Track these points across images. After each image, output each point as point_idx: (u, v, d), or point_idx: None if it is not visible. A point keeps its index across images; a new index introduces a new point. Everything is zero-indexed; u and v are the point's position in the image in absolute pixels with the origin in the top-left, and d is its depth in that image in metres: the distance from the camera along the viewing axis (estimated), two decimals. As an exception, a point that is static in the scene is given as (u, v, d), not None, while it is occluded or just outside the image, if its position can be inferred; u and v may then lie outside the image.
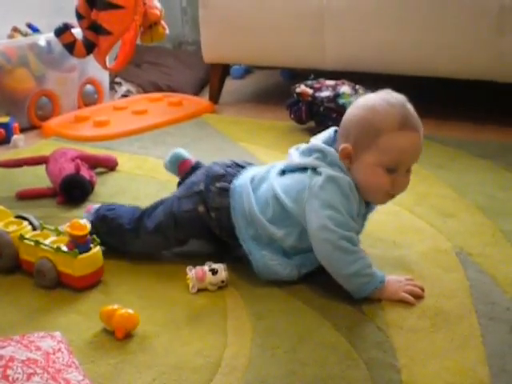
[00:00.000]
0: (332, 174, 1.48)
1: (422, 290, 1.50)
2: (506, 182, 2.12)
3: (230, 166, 1.67)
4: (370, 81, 2.68)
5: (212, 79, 3.30)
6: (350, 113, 1.53)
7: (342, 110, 2.22)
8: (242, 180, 1.61)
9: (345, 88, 2.58)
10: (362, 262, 1.47)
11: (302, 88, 2.62)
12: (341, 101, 2.53)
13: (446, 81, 2.77)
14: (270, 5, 2.98)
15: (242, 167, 1.68)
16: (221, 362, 1.30)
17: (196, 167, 1.86)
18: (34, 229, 1.72)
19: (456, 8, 2.60)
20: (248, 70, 3.92)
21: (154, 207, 1.69)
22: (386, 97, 1.52)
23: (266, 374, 1.26)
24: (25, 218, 1.75)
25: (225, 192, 1.60)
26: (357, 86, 2.59)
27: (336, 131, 1.57)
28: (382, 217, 1.89)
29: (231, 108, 3.21)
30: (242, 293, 1.53)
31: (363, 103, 1.52)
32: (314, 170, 1.51)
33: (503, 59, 2.57)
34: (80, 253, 1.56)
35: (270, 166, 1.66)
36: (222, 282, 1.54)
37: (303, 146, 1.59)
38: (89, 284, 1.58)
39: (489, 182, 2.12)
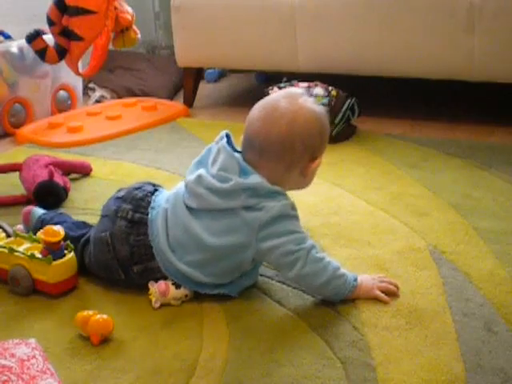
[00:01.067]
0: (277, 213, 1.44)
1: (397, 287, 1.51)
2: (479, 180, 2.14)
3: (128, 227, 1.53)
4: (343, 82, 2.70)
5: (186, 83, 3.30)
6: (268, 134, 1.46)
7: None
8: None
9: (318, 90, 2.59)
10: (332, 265, 1.47)
11: (275, 90, 2.62)
12: (314, 102, 2.53)
13: (418, 81, 2.79)
14: (242, 8, 2.99)
15: (139, 219, 1.53)
16: (197, 365, 1.29)
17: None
18: (8, 236, 1.71)
19: (425, 8, 2.62)
20: (222, 74, 3.92)
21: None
22: (306, 99, 1.52)
23: (242, 375, 1.26)
24: None
25: (147, 272, 1.53)
26: (330, 88, 2.60)
27: (232, 149, 1.50)
28: (356, 217, 1.91)
29: (206, 111, 3.21)
30: (217, 296, 1.52)
31: (277, 123, 1.46)
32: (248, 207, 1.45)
33: (472, 58, 2.59)
34: (54, 259, 1.56)
35: (172, 196, 1.56)
36: (186, 296, 1.51)
37: (212, 182, 1.47)
38: (64, 290, 1.57)
39: (462, 181, 2.14)
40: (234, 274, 1.52)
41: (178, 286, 1.51)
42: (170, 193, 1.58)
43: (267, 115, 1.47)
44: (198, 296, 1.53)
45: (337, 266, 1.47)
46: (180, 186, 1.57)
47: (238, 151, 1.52)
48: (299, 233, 1.47)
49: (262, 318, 1.45)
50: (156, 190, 1.61)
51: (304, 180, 1.53)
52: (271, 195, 1.46)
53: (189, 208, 1.50)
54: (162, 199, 1.56)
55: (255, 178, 1.45)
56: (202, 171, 1.51)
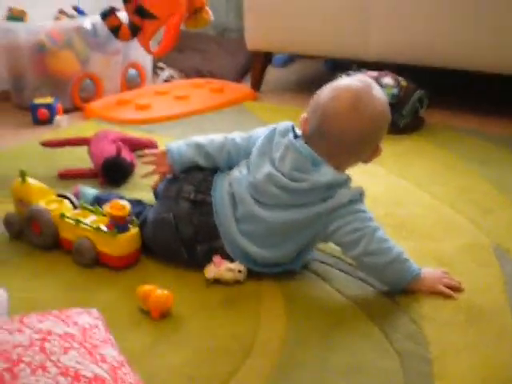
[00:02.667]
0: (347, 199, 1.46)
1: (459, 283, 1.49)
2: (548, 179, 2.10)
3: (191, 208, 1.56)
4: (413, 73, 2.67)
5: (254, 67, 3.31)
6: (350, 131, 1.46)
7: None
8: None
9: (387, 79, 2.56)
10: (397, 248, 1.47)
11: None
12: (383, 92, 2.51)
13: (492, 76, 2.74)
14: (315, -6, 2.97)
15: (202, 199, 1.56)
16: (253, 346, 1.31)
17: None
18: (75, 208, 1.75)
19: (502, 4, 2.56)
20: (290, 59, 3.91)
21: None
22: (379, 89, 1.52)
23: (298, 358, 1.27)
24: (66, 197, 1.78)
25: (212, 251, 1.54)
26: (399, 78, 2.57)
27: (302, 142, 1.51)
28: (419, 209, 1.89)
29: (272, 96, 3.22)
30: (277, 278, 1.54)
31: (360, 120, 1.45)
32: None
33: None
34: (119, 233, 1.59)
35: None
36: (239, 271, 1.51)
37: (281, 180, 1.48)
38: (127, 264, 1.60)
39: (530, 179, 2.10)
40: (297, 253, 1.53)
41: (232, 261, 1.52)
42: (231, 177, 1.58)
43: (351, 110, 1.45)
44: (257, 277, 1.54)
45: (402, 251, 1.47)
46: (238, 172, 1.57)
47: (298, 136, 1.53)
48: (365, 212, 1.48)
49: (320, 304, 1.45)
50: (216, 171, 1.62)
51: (364, 162, 1.55)
52: (342, 184, 1.48)
53: (257, 201, 1.51)
54: (222, 182, 1.57)
55: (327, 173, 1.46)
56: (269, 169, 1.50)
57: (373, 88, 1.49)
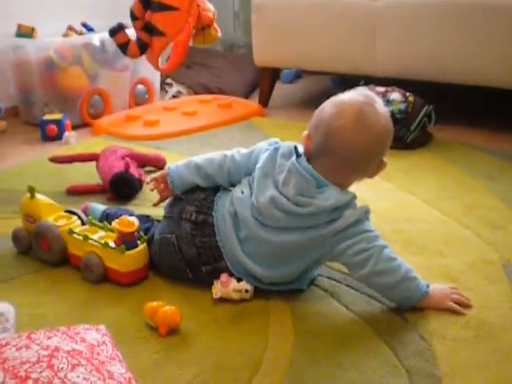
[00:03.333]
0: (354, 219, 1.44)
1: (468, 299, 1.49)
2: (557, 195, 2.09)
3: (193, 229, 1.54)
4: (421, 88, 2.67)
5: (262, 83, 3.32)
6: (355, 147, 1.43)
7: (392, 117, 2.21)
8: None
9: (395, 95, 2.57)
10: (405, 266, 1.46)
11: (351, 94, 2.61)
12: (390, 107, 2.51)
13: (499, 91, 2.74)
14: (322, 11, 2.99)
15: (203, 220, 1.55)
16: (261, 363, 1.30)
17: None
18: (83, 224, 1.75)
19: (509, 19, 2.57)
20: (298, 75, 3.93)
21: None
22: (385, 108, 1.50)
23: (306, 377, 1.26)
24: (74, 213, 1.78)
25: (216, 272, 1.53)
26: (407, 93, 2.57)
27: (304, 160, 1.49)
28: (428, 225, 1.88)
29: (280, 112, 3.22)
30: (285, 296, 1.53)
31: (364, 136, 1.43)
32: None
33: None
34: (127, 249, 1.59)
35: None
36: (246, 291, 1.51)
37: (285, 204, 1.46)
38: (135, 280, 1.60)
39: (538, 195, 2.09)
40: (303, 272, 1.53)
41: (239, 280, 1.52)
42: (233, 196, 1.56)
43: (356, 125, 1.43)
44: (265, 294, 1.54)
45: (410, 268, 1.46)
46: (240, 192, 1.56)
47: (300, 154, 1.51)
48: (371, 231, 1.47)
49: (328, 320, 1.44)
50: (218, 189, 1.61)
51: (369, 177, 1.53)
52: (348, 205, 1.47)
53: (261, 223, 1.50)
54: (224, 201, 1.56)
55: (331, 195, 1.44)
56: (273, 192, 1.48)
57: (375, 102, 1.47)
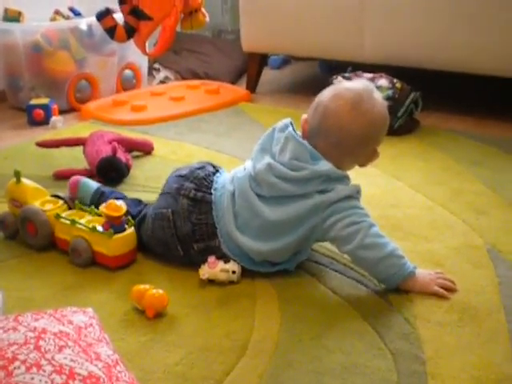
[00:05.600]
0: (345, 194, 1.49)
1: (453, 283, 1.50)
2: (542, 180, 2.11)
3: (191, 206, 1.56)
4: (408, 75, 2.68)
5: (250, 68, 3.31)
6: (350, 130, 1.49)
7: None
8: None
9: (382, 81, 2.57)
10: (392, 244, 1.48)
11: (339, 80, 2.61)
12: (378, 94, 2.52)
13: (484, 78, 2.75)
14: (311, -4, 2.98)
15: (201, 197, 1.57)
16: (248, 345, 1.31)
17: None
18: (70, 208, 1.75)
19: (498, 2, 2.57)
20: (286, 61, 3.92)
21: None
22: (379, 96, 1.56)
23: (292, 358, 1.27)
24: (60, 198, 1.78)
25: (208, 250, 1.56)
26: (394, 80, 2.58)
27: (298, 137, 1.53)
28: (414, 211, 1.90)
29: (268, 97, 3.22)
30: (272, 279, 1.54)
31: (360, 120, 1.49)
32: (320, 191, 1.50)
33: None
34: (115, 233, 1.59)
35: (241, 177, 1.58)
36: (233, 272, 1.52)
37: (281, 169, 1.50)
38: (123, 264, 1.61)
39: (524, 181, 2.10)
40: (293, 251, 1.55)
41: (226, 261, 1.53)
42: (232, 175, 1.61)
43: (351, 109, 1.49)
44: (252, 277, 1.55)
45: (397, 247, 1.49)
46: (243, 169, 1.60)
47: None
48: (362, 209, 1.51)
49: (314, 303, 1.46)
50: (217, 171, 1.64)
51: (361, 165, 1.58)
52: (341, 179, 1.51)
53: (258, 195, 1.53)
54: (224, 180, 1.60)
55: (325, 165, 1.49)
56: (270, 160, 1.53)
57: (374, 91, 1.54)
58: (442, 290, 1.47)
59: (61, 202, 1.76)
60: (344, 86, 1.57)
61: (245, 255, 1.54)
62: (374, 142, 1.54)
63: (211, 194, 1.57)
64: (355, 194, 1.51)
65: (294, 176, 1.50)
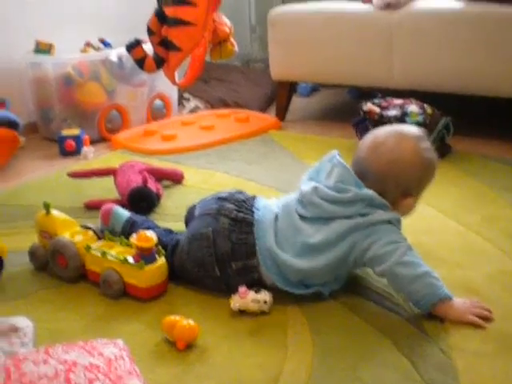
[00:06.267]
0: (385, 219, 1.52)
1: (490, 312, 1.47)
2: None
3: (231, 225, 1.58)
4: (438, 100, 2.66)
5: (279, 96, 3.32)
6: (406, 168, 1.55)
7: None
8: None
9: (412, 107, 2.56)
10: (428, 267, 1.48)
11: (369, 106, 2.61)
12: (408, 120, 2.51)
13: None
14: (338, 24, 2.99)
15: (242, 218, 1.59)
16: (280, 377, 1.29)
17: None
18: (99, 238, 1.75)
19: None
20: (315, 88, 3.93)
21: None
22: (416, 143, 1.58)
23: (325, 390, 1.25)
24: (90, 228, 1.78)
25: (246, 270, 1.57)
26: (425, 105, 2.56)
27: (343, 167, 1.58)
28: (447, 237, 1.87)
29: (297, 125, 3.22)
30: (304, 309, 1.52)
31: (409, 160, 1.55)
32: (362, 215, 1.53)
33: None
34: (146, 264, 1.58)
35: (285, 204, 1.62)
36: (265, 302, 1.50)
37: (326, 191, 1.55)
38: (154, 295, 1.60)
39: (559, 206, 2.07)
40: (330, 273, 1.55)
41: (257, 291, 1.52)
42: (279, 201, 1.65)
43: (373, 148, 1.57)
44: (283, 307, 1.53)
45: (433, 271, 1.48)
46: (289, 197, 1.64)
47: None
48: (401, 233, 1.54)
49: (347, 333, 1.43)
50: (255, 196, 1.67)
51: (398, 209, 1.58)
52: (383, 207, 1.54)
53: (301, 216, 1.57)
54: (266, 203, 1.64)
55: (369, 191, 1.53)
56: (316, 184, 1.58)
57: (407, 138, 1.58)
58: (477, 320, 1.44)
59: (90, 232, 1.76)
60: (385, 127, 1.63)
61: (282, 275, 1.55)
62: (394, 185, 1.55)
63: (252, 215, 1.59)
64: (395, 222, 1.54)
65: (339, 198, 1.54)
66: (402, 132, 1.60)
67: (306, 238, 1.53)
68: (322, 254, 1.52)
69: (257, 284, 1.56)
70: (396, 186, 1.55)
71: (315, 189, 1.57)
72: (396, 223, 1.55)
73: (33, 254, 1.78)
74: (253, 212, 1.60)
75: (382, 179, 1.55)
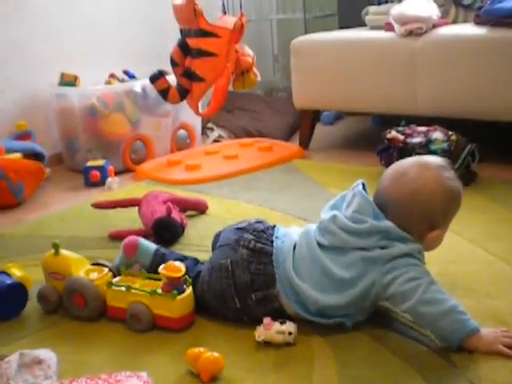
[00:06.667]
0: (404, 252, 1.48)
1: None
2: None
3: (250, 256, 1.56)
4: (463, 127, 2.64)
5: (302, 125, 3.32)
6: (429, 199, 1.51)
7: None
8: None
9: (437, 134, 2.54)
10: (454, 301, 1.44)
11: (393, 134, 2.60)
12: (433, 147, 2.49)
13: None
14: (361, 52, 3.00)
15: (260, 248, 1.58)
16: (306, 411, 1.27)
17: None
18: (114, 275, 1.72)
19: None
20: (338, 116, 3.93)
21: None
22: (439, 172, 1.54)
23: (352, 424, 1.23)
24: (101, 265, 1.75)
25: (266, 300, 1.55)
26: (449, 132, 2.54)
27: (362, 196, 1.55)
28: (474, 266, 1.84)
29: (321, 153, 3.22)
30: (329, 341, 1.50)
31: (432, 189, 1.52)
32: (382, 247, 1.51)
33: None
34: (178, 294, 1.58)
35: (305, 235, 1.61)
36: (290, 333, 1.48)
37: (346, 222, 1.53)
38: (186, 324, 1.59)
39: None
40: (349, 308, 1.52)
41: (282, 323, 1.50)
42: (299, 230, 1.64)
43: (395, 179, 1.55)
44: (308, 339, 1.51)
45: (458, 304, 1.45)
46: (311, 225, 1.63)
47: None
48: (422, 266, 1.50)
49: (373, 366, 1.40)
50: (274, 225, 1.66)
51: (422, 244, 1.54)
52: (401, 239, 1.50)
53: (320, 245, 1.55)
54: (286, 232, 1.63)
55: (387, 223, 1.50)
56: (336, 212, 1.57)
57: (430, 168, 1.54)
58: (507, 350, 1.41)
59: (105, 269, 1.72)
60: (407, 159, 1.60)
61: (301, 303, 1.53)
62: (419, 218, 1.52)
63: (271, 245, 1.58)
64: (416, 254, 1.50)
65: (355, 228, 1.51)
66: (424, 162, 1.57)
67: (323, 268, 1.51)
68: (341, 290, 1.50)
69: (278, 313, 1.55)
70: (421, 219, 1.52)
71: (334, 217, 1.55)
72: (417, 254, 1.51)
73: (43, 297, 1.72)
74: (272, 242, 1.59)
75: (404, 211, 1.51)
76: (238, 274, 1.56)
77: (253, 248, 1.57)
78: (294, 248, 1.58)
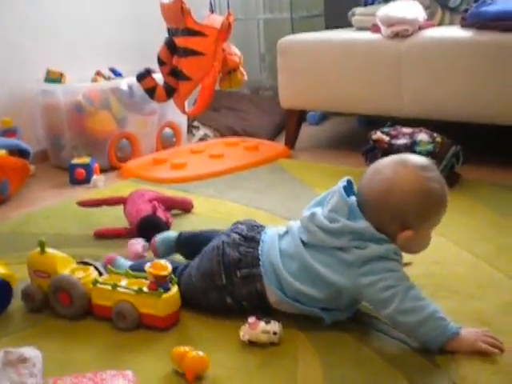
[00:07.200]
0: (379, 254, 1.47)
1: (500, 342, 1.44)
2: None
3: (241, 240, 1.63)
4: (448, 128, 2.66)
5: (288, 124, 3.33)
6: (401, 198, 1.47)
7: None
8: (271, 256, 1.58)
9: (422, 136, 2.55)
10: (433, 306, 1.44)
11: (378, 135, 2.61)
12: (418, 148, 2.50)
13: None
14: (347, 53, 3.01)
15: (252, 236, 1.64)
16: (290, 410, 1.28)
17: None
18: (100, 274, 1.72)
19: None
20: (324, 116, 3.94)
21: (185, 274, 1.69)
22: (416, 172, 1.50)
23: (336, 424, 1.24)
24: (87, 263, 1.74)
25: (250, 278, 1.59)
26: (435, 134, 2.56)
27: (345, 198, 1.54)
28: (459, 268, 1.86)
29: (307, 153, 3.22)
30: (313, 340, 1.51)
31: (405, 187, 1.48)
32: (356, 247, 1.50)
33: None
34: (164, 292, 1.58)
35: (288, 232, 1.63)
36: (275, 333, 1.49)
37: (323, 221, 1.53)
38: (172, 323, 1.59)
39: None
40: (329, 302, 1.54)
41: (267, 322, 1.50)
42: (288, 225, 1.66)
43: (372, 176, 1.53)
44: (293, 338, 1.52)
45: (438, 309, 1.44)
46: (295, 222, 1.65)
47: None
48: (399, 272, 1.48)
49: (357, 365, 1.41)
50: (265, 226, 1.71)
51: (397, 243, 1.51)
52: (376, 240, 1.49)
53: (302, 240, 1.57)
54: (273, 229, 1.67)
55: (362, 223, 1.49)
56: (316, 210, 1.58)
57: (406, 167, 1.50)
58: (488, 347, 1.41)
59: (91, 268, 1.72)
60: (387, 158, 1.57)
61: (282, 288, 1.56)
62: (390, 216, 1.49)
63: (260, 235, 1.64)
64: (391, 255, 1.48)
65: (330, 228, 1.52)
66: (403, 160, 1.53)
67: (303, 261, 1.54)
68: (318, 286, 1.52)
69: (261, 302, 1.58)
70: (392, 218, 1.49)
71: (313, 215, 1.56)
72: (393, 256, 1.48)
73: (28, 295, 1.71)
74: (261, 234, 1.64)
75: (377, 209, 1.49)
76: (227, 252, 1.60)
77: (245, 235, 1.64)
78: (280, 239, 1.61)
